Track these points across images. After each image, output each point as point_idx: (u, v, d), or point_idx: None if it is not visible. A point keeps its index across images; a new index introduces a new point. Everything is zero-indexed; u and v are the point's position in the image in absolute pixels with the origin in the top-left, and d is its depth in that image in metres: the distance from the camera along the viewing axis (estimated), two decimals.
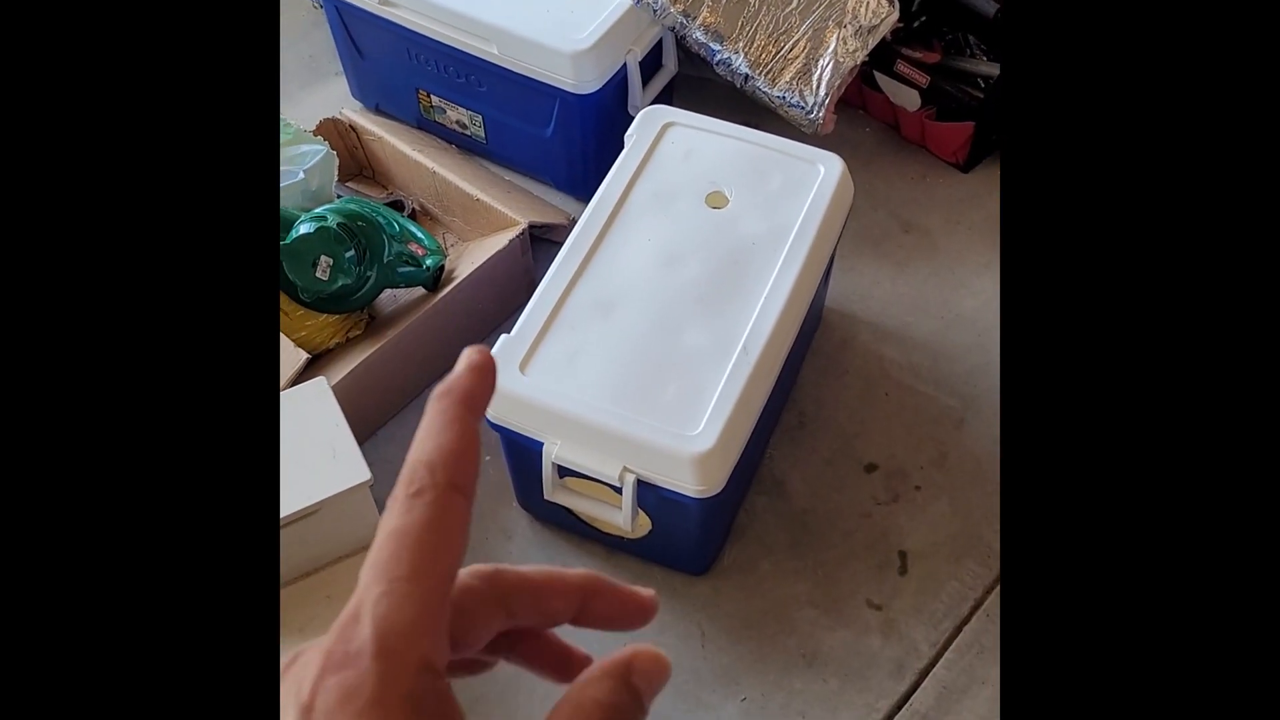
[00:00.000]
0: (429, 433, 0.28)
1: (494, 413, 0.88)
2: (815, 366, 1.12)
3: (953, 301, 1.17)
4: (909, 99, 1.24)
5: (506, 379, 0.86)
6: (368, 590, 0.26)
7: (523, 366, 0.87)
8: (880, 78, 1.25)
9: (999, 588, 0.98)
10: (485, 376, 0.29)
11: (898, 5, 1.14)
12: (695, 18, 1.12)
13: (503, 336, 0.89)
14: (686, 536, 0.94)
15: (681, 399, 0.85)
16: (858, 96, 1.31)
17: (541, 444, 0.87)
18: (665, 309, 0.90)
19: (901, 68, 1.23)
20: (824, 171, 0.99)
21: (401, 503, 0.27)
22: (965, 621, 0.96)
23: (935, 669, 0.93)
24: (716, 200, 0.97)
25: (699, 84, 1.29)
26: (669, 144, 1.01)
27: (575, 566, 1.05)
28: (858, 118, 1.32)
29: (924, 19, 1.32)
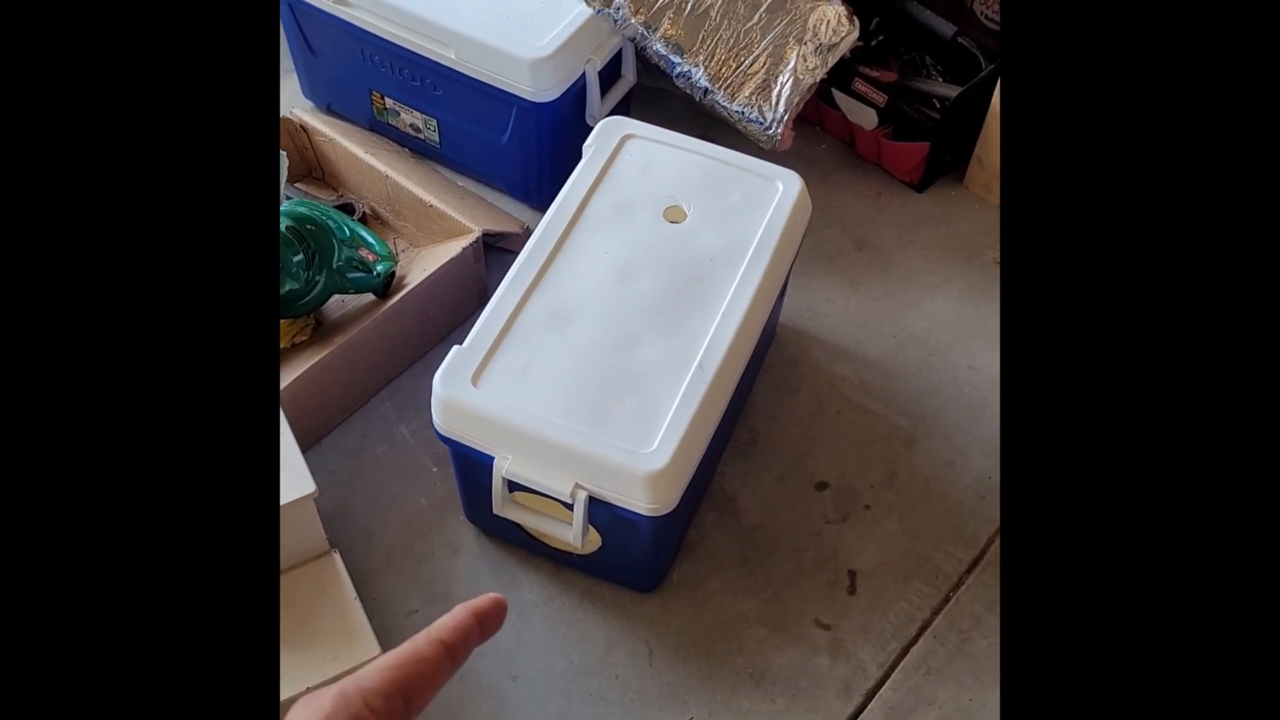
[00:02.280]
0: (445, 619, 0.40)
1: (444, 425, 0.86)
2: (768, 383, 1.12)
3: (905, 321, 1.17)
4: (866, 118, 1.24)
5: (458, 391, 0.85)
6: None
7: (475, 379, 0.85)
8: (838, 95, 1.25)
9: (947, 608, 0.98)
10: (497, 617, 0.41)
11: (858, 24, 1.14)
12: (656, 29, 1.12)
13: (455, 348, 0.87)
14: (637, 553, 0.93)
15: (636, 415, 0.84)
16: (814, 113, 1.31)
17: (492, 458, 0.85)
18: (621, 323, 0.89)
19: (859, 86, 1.23)
20: (783, 189, 0.98)
21: (417, 638, 0.39)
22: (913, 642, 0.96)
23: (882, 690, 0.93)
24: (674, 215, 0.97)
25: (656, 95, 1.29)
26: (628, 156, 1.00)
27: (523, 582, 1.03)
28: (814, 134, 1.33)
29: (881, 38, 1.33)
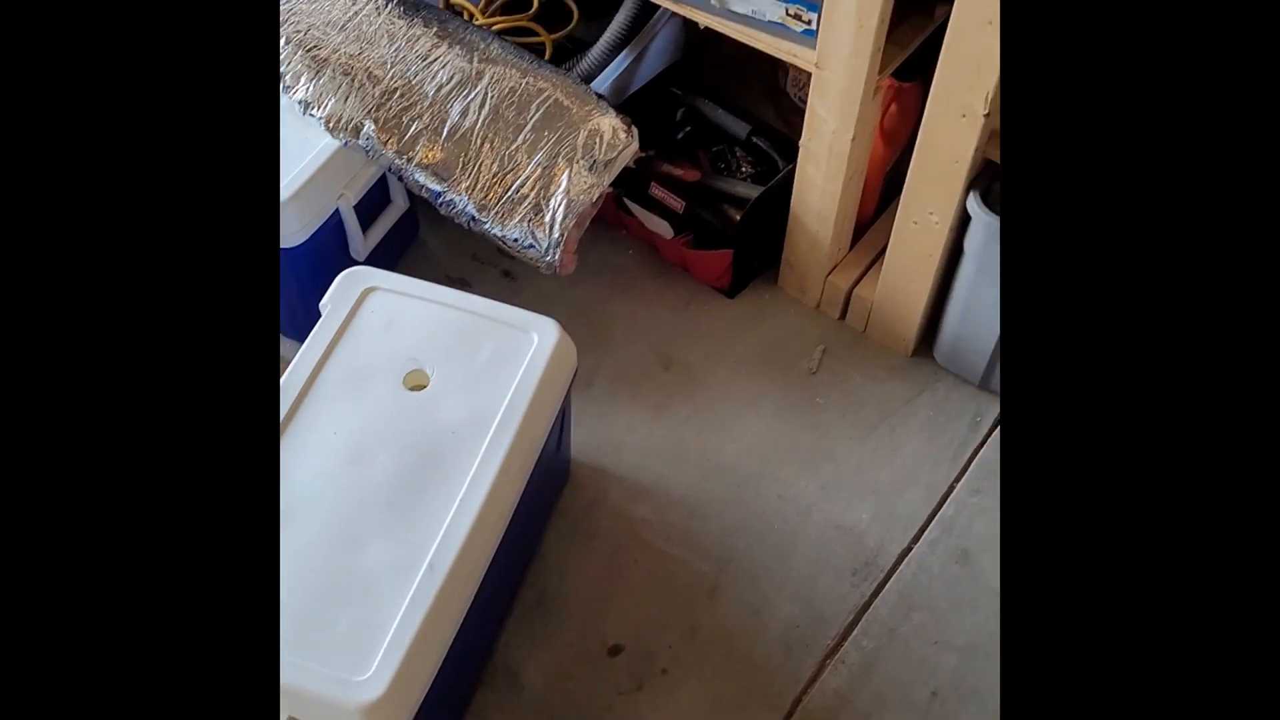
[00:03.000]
0: None
1: None
2: (561, 531, 1.03)
3: (712, 448, 1.09)
4: (662, 228, 1.16)
5: None
6: None
7: None
8: (633, 206, 1.16)
9: None
10: None
11: (636, 134, 1.06)
12: (412, 157, 1.03)
13: None
14: None
15: (354, 634, 0.75)
16: (617, 218, 1.22)
17: None
18: (347, 519, 0.80)
19: (656, 192, 1.15)
20: (538, 341, 0.90)
21: None
22: None
23: None
24: (417, 380, 0.88)
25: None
26: (368, 313, 0.91)
27: None
28: (620, 240, 1.24)
29: (689, 129, 1.25)
